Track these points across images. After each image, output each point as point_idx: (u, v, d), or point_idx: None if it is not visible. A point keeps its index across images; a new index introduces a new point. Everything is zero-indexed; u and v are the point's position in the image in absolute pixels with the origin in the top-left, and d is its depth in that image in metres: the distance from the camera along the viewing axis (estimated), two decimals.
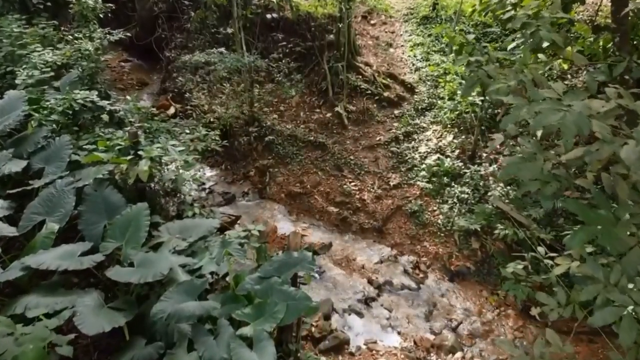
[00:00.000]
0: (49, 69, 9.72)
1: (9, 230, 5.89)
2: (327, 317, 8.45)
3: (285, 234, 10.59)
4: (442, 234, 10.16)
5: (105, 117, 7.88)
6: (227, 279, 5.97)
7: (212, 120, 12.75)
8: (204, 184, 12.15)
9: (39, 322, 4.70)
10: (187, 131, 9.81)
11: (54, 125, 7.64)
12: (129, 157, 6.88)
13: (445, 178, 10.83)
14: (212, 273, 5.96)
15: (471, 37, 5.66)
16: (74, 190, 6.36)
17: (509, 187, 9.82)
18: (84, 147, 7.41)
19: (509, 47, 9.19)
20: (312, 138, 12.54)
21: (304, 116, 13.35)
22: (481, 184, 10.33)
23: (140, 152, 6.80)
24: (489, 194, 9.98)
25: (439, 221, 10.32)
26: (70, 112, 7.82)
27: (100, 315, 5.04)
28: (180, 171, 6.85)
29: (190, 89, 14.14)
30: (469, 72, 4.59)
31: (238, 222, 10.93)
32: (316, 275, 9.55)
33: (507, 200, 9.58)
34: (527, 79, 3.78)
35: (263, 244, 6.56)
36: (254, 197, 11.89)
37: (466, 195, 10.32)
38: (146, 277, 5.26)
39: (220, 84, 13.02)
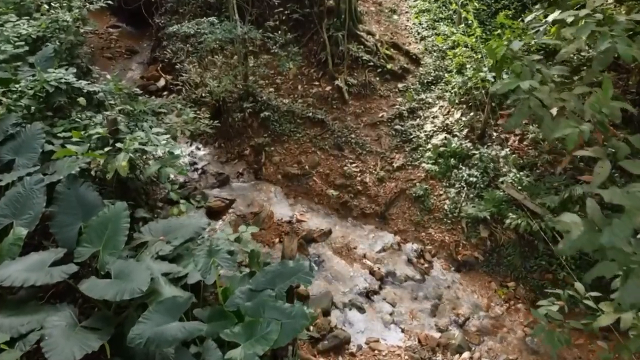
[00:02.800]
0: (23, 42, 8.92)
1: None
2: (326, 313, 7.95)
3: (283, 220, 10.03)
4: (449, 221, 9.56)
5: (82, 100, 7.13)
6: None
7: (203, 95, 11.96)
8: (196, 163, 11.50)
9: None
10: (176, 110, 9.10)
11: (24, 110, 6.92)
12: (107, 149, 6.22)
13: (452, 159, 10.15)
14: (197, 283, 5.40)
15: (517, 45, 4.30)
16: (44, 189, 5.71)
17: (521, 173, 9.15)
18: (59, 135, 6.72)
19: (527, 19, 8.39)
20: (310, 114, 11.78)
21: (302, 90, 12.54)
22: (491, 166, 9.66)
23: (118, 144, 6.13)
24: (501, 179, 9.31)
25: (446, 207, 9.70)
26: (43, 95, 7.08)
27: (72, 338, 4.48)
28: (163, 168, 6.13)
29: (181, 59, 13.28)
30: (516, 99, 3.77)
31: (232, 206, 10.37)
32: (315, 265, 9.00)
33: (519, 187, 8.93)
34: (602, 118, 2.96)
35: (256, 249, 5.95)
36: (249, 178, 11.23)
37: (475, 179, 9.66)
38: (122, 293, 4.68)
39: (212, 56, 12.15)
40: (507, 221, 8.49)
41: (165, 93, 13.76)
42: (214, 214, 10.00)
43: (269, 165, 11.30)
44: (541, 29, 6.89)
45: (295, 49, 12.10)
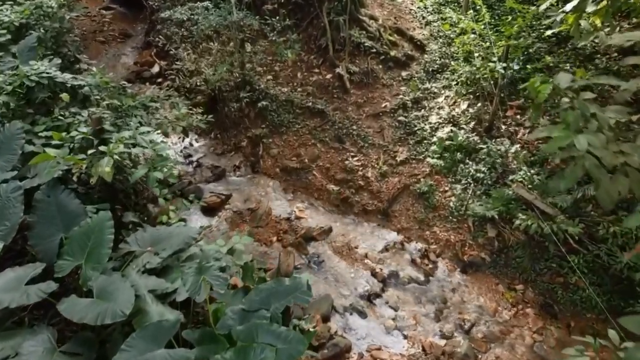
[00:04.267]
0: (4, 30, 8.41)
1: None
2: (326, 319, 7.60)
3: (281, 216, 9.62)
4: (454, 219, 9.16)
5: (65, 96, 6.65)
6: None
7: (198, 83, 11.49)
8: (191, 156, 11.07)
9: None
10: (168, 104, 8.62)
11: (3, 108, 6.45)
12: (90, 152, 5.78)
13: (458, 154, 9.70)
14: (187, 299, 5.00)
15: (565, 80, 3.45)
16: (21, 198, 5.27)
17: (532, 171, 8.69)
18: (41, 134, 6.27)
19: (542, 7, 7.85)
20: (310, 104, 11.29)
21: (302, 77, 12.03)
22: (499, 161, 9.20)
23: (102, 148, 5.68)
24: (510, 178, 8.86)
25: (451, 204, 9.28)
26: (24, 91, 6.61)
27: None
28: (150, 172, 5.70)
29: (175, 45, 12.75)
30: (567, 157, 3.21)
31: (228, 201, 9.96)
32: (314, 266, 8.65)
33: (529, 186, 8.49)
34: None
35: (250, 262, 5.55)
36: (246, 171, 10.80)
37: (482, 175, 9.22)
38: (104, 316, 4.28)
39: (207, 43, 11.62)
40: (517, 222, 8.08)
41: (159, 80, 13.29)
42: (210, 210, 9.61)
43: (266, 158, 10.86)
44: (558, 18, 6.38)
45: (294, 35, 11.55)
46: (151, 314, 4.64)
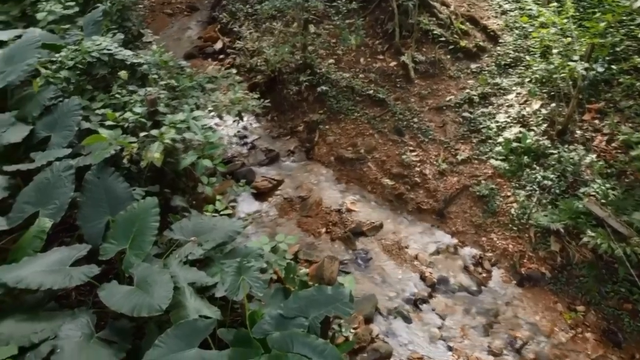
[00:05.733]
0: (73, 2, 8.49)
1: None
2: (368, 320, 7.35)
3: (332, 208, 9.36)
4: (515, 227, 8.57)
5: (123, 74, 6.62)
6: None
7: (259, 63, 11.30)
8: (246, 137, 10.97)
9: None
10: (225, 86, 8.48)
11: (64, 83, 6.50)
12: (142, 134, 5.72)
13: (525, 157, 9.03)
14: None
15: None
16: (72, 177, 5.28)
17: (607, 185, 7.95)
18: (97, 111, 6.28)
19: (636, 5, 7.04)
20: (371, 91, 10.87)
21: (364, 63, 11.60)
22: (570, 169, 8.49)
23: (153, 132, 5.60)
24: (582, 190, 8.16)
25: (513, 211, 8.69)
26: (84, 66, 6.62)
27: (84, 353, 4.09)
28: (200, 159, 5.58)
29: (239, 23, 12.60)
30: None
31: (280, 187, 9.81)
32: (361, 262, 8.38)
33: (603, 201, 7.78)
34: None
35: (293, 262, 5.34)
36: (300, 157, 10.59)
37: (550, 182, 8.55)
38: (140, 309, 4.22)
39: (271, 22, 11.38)
40: (585, 238, 7.44)
41: (221, 56, 13.27)
42: (260, 195, 9.50)
43: (321, 144, 10.59)
44: None
45: (359, 20, 11.04)
46: (189, 309, 4.55)
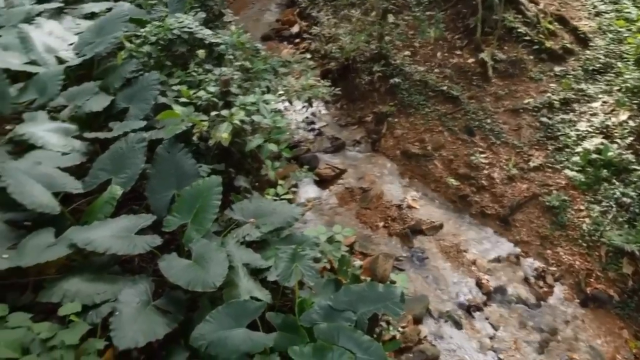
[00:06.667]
0: None
1: (74, 186, 5.27)
2: (418, 321, 7.22)
3: (392, 202, 9.25)
4: (584, 244, 8.09)
5: (201, 53, 6.80)
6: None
7: (333, 50, 11.25)
8: (313, 123, 11.00)
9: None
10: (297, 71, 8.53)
11: (145, 57, 6.76)
12: (213, 113, 5.87)
13: (604, 171, 8.47)
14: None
15: None
16: (144, 149, 5.51)
17: None
18: (174, 87, 6.49)
19: None
20: (444, 87, 10.56)
21: (441, 58, 11.27)
22: None
23: (223, 112, 5.73)
24: None
25: (584, 226, 8.20)
26: (166, 43, 6.86)
27: (140, 319, 4.27)
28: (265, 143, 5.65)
29: (318, 8, 12.58)
30: None
31: (342, 176, 9.79)
32: (417, 261, 8.24)
33: None
34: None
35: (347, 254, 5.32)
36: (366, 148, 10.50)
37: (629, 200, 7.98)
38: (195, 284, 4.36)
39: (349, 10, 11.28)
40: None
41: (297, 40, 13.35)
42: (322, 182, 9.53)
43: (388, 137, 10.45)
44: None
45: (440, 13, 10.72)
46: (241, 288, 4.65)
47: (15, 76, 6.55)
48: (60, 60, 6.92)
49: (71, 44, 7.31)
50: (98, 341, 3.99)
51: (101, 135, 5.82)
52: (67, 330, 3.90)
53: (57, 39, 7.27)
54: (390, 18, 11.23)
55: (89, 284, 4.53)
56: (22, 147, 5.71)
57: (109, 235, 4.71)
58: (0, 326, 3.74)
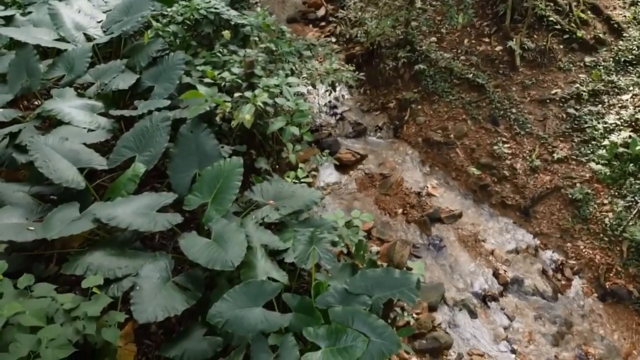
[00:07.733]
0: None
1: (99, 162, 5.41)
2: (432, 308, 7.24)
3: (412, 189, 9.21)
4: (606, 238, 7.98)
5: (226, 34, 6.83)
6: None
7: (359, 34, 11.15)
8: (336, 107, 10.96)
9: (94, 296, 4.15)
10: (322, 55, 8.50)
11: (171, 37, 6.82)
12: (237, 94, 5.90)
13: (631, 165, 8.30)
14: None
15: None
16: (168, 128, 5.59)
17: None
18: (198, 67, 6.54)
19: None
20: (470, 75, 10.40)
21: (468, 45, 11.09)
22: None
23: (247, 94, 5.75)
24: None
25: (607, 220, 8.08)
26: (192, 23, 6.90)
27: (160, 294, 4.39)
28: (287, 126, 5.67)
29: None
30: None
31: (363, 161, 9.78)
32: (434, 250, 8.23)
33: None
34: None
35: (365, 239, 5.35)
36: (387, 134, 10.44)
37: None
38: (214, 262, 4.46)
39: None
40: None
41: (322, 23, 13.25)
42: (342, 167, 9.52)
43: (411, 124, 10.37)
44: None
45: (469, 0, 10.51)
46: (258, 269, 4.73)
47: (44, 52, 6.68)
48: (89, 38, 7.04)
49: (99, 22, 7.42)
50: (119, 314, 4.12)
51: (126, 113, 5.92)
52: (90, 302, 4.03)
53: (85, 16, 7.39)
54: (418, 3, 11.06)
55: (111, 259, 4.65)
56: (49, 123, 5.85)
57: (131, 211, 4.81)
58: (26, 296, 3.88)
